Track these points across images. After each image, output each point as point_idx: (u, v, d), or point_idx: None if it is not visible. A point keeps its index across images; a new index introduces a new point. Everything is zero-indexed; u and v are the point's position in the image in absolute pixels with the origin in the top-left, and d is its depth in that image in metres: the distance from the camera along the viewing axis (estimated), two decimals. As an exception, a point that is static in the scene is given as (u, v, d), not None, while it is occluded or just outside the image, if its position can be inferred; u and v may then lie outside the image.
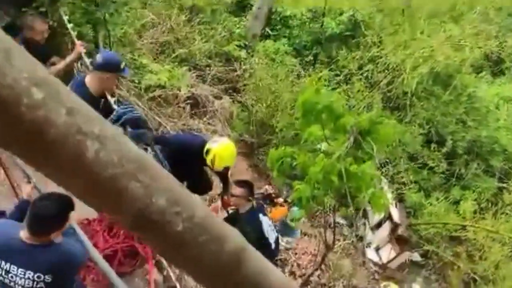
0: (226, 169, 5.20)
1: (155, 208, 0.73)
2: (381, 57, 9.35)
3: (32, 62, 0.64)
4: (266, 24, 10.34)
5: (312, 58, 10.20)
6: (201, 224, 0.78)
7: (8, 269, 2.89)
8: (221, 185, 5.96)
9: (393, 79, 9.32)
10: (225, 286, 0.86)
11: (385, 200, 4.32)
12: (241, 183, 5.45)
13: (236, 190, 5.42)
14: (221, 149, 4.95)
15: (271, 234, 5.26)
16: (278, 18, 10.63)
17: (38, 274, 2.85)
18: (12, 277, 2.90)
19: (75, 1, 5.65)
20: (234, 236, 0.85)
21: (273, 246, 5.27)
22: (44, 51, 5.30)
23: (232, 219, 5.41)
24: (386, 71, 9.34)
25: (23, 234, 2.84)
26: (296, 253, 6.81)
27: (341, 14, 10.47)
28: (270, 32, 10.33)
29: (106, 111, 4.49)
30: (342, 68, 9.70)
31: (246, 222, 5.34)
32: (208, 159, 4.94)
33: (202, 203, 0.83)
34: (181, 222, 0.75)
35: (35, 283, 2.88)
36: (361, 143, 3.79)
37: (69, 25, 5.25)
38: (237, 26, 9.82)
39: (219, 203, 5.85)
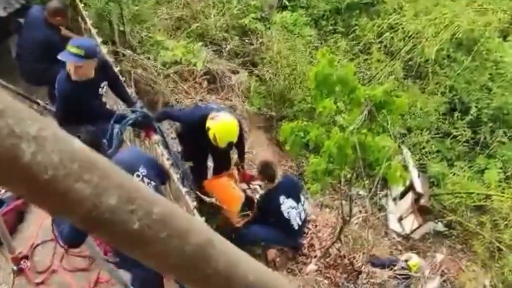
0: (230, 145, 5.14)
1: (105, 207, 0.70)
2: (401, 24, 9.08)
3: None
4: (282, -5, 10.14)
5: (331, 28, 9.97)
6: (161, 220, 0.76)
7: None
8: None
9: (414, 47, 9.07)
10: (194, 279, 0.84)
11: (402, 173, 4.27)
12: (260, 165, 5.57)
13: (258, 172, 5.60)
14: (219, 127, 4.90)
15: (294, 216, 5.36)
16: (295, -12, 10.39)
17: None
18: None
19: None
20: (199, 229, 0.83)
21: (295, 227, 5.40)
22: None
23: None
24: (406, 38, 9.08)
25: None
26: (316, 226, 6.81)
27: (360, -20, 10.16)
28: (287, 2, 10.12)
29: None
30: (361, 38, 9.47)
31: (263, 201, 5.48)
32: (211, 138, 4.92)
33: (161, 198, 0.81)
34: (137, 220, 0.73)
35: None
36: (376, 116, 3.72)
37: (81, 5, 5.27)
38: (253, -2, 9.64)
39: (235, 172, 5.86)
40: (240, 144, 5.63)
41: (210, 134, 4.88)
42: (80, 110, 4.33)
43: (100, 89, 4.59)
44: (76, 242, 3.67)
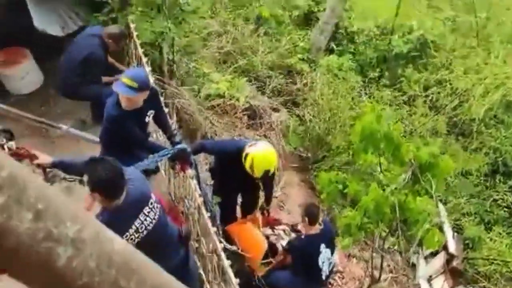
0: (266, 174, 5.05)
1: None
2: (449, 80, 8.94)
3: None
4: (331, 39, 10.18)
5: (376, 76, 9.91)
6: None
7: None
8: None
9: (461, 104, 8.89)
10: None
11: (439, 237, 4.09)
12: (303, 209, 5.45)
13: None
14: (258, 153, 4.87)
15: (326, 268, 5.19)
16: (344, 33, 10.42)
17: None
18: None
19: (143, 9, 5.79)
20: None
21: (323, 277, 5.22)
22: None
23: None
24: (453, 95, 8.92)
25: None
26: (343, 277, 6.59)
27: (410, 32, 10.11)
28: (335, 46, 10.16)
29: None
30: (406, 89, 9.36)
31: (303, 245, 5.29)
32: (247, 165, 4.86)
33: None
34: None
35: None
36: (419, 177, 3.59)
37: (135, 33, 5.41)
38: (302, 39, 9.73)
39: (259, 215, 5.75)
40: (269, 184, 5.55)
41: (248, 161, 4.83)
42: (124, 137, 4.38)
43: (146, 117, 4.65)
44: None
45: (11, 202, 0.54)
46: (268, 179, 5.39)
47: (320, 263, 5.17)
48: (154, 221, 3.40)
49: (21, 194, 0.54)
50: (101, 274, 0.60)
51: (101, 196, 3.22)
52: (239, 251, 4.98)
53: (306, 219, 5.19)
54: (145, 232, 3.34)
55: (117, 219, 3.16)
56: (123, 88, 4.29)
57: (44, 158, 3.86)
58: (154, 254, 3.20)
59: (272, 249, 5.48)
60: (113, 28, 5.59)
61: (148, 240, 3.35)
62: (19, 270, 0.58)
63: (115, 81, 5.44)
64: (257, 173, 4.96)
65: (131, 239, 3.27)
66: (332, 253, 5.28)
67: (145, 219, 3.34)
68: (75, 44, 5.67)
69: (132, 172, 3.50)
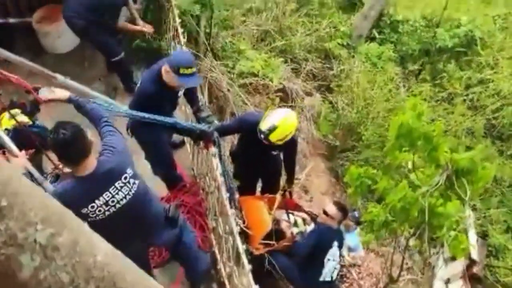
0: (287, 140, 4.80)
1: None
2: (493, 81, 8.55)
3: None
4: (374, 26, 9.83)
5: (416, 69, 9.55)
6: None
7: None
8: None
9: (502, 106, 8.51)
10: None
11: (466, 246, 3.91)
12: (338, 205, 5.26)
13: (331, 209, 5.18)
14: (280, 117, 4.67)
15: (329, 268, 4.99)
16: (388, 21, 10.02)
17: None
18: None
19: (185, -22, 5.66)
20: None
21: (321, 279, 4.99)
22: None
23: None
24: (496, 96, 8.54)
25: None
26: (359, 272, 6.46)
27: (457, 27, 9.66)
28: (376, 34, 9.81)
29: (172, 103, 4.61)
30: (447, 86, 9.00)
31: (321, 234, 5.09)
32: (264, 126, 4.65)
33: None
34: None
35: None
36: (454, 183, 3.40)
37: (174, 2, 5.30)
38: (344, 23, 9.42)
39: (278, 197, 5.48)
40: (290, 155, 5.30)
41: (265, 123, 4.66)
42: (153, 110, 4.33)
43: (180, 92, 4.59)
44: None
45: None
46: (289, 148, 5.12)
47: (325, 259, 5.00)
48: (128, 196, 3.28)
49: None
50: None
51: (58, 158, 3.19)
52: (244, 226, 4.80)
53: (339, 213, 5.07)
54: (117, 206, 3.25)
55: (82, 189, 3.11)
56: (191, 80, 4.28)
57: (61, 92, 3.83)
58: (133, 229, 3.23)
59: (278, 235, 5.22)
60: None
61: (123, 215, 3.29)
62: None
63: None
64: (275, 139, 4.70)
65: (99, 211, 3.19)
66: (339, 257, 5.11)
67: (117, 193, 3.22)
68: None
69: (113, 143, 3.35)
